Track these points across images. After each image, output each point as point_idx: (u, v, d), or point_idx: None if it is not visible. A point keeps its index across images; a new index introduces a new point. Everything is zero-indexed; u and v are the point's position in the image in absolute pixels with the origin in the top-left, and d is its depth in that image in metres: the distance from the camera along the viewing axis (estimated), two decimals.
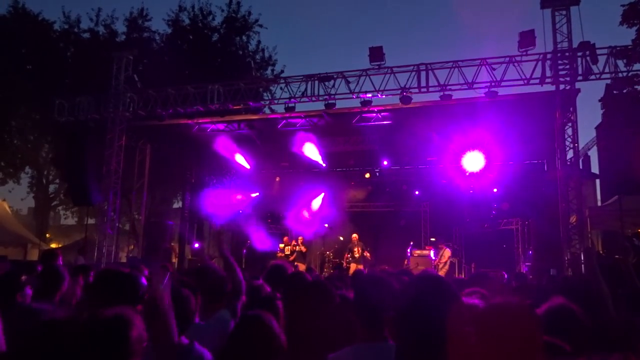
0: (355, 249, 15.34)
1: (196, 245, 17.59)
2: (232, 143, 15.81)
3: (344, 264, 15.22)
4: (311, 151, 15.26)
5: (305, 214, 17.42)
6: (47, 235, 29.63)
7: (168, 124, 15.70)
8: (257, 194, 18.30)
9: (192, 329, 2.84)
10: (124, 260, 16.99)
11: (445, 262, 14.80)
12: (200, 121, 15.63)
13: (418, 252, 15.83)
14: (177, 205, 26.94)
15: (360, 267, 14.25)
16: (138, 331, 1.79)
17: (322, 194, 17.61)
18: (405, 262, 15.43)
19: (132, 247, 19.67)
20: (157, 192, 22.20)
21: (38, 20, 25.37)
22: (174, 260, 13.05)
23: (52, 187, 30.82)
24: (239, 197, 18.14)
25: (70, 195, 18.44)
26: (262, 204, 18.60)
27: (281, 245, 16.07)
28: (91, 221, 20.82)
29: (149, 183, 17.41)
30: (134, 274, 3.23)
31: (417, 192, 17.55)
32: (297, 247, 15.67)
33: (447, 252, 15.11)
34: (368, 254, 15.63)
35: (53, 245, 26.94)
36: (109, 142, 15.87)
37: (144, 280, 3.17)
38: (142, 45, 22.67)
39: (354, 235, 15.71)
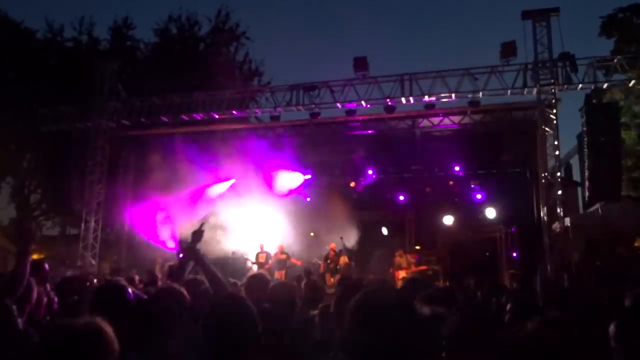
0: (339, 259, 15.31)
1: (180, 255, 17.37)
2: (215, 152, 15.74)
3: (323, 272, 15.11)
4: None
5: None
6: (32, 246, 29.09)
7: (152, 134, 15.60)
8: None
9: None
10: (107, 270, 16.77)
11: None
12: (185, 130, 15.58)
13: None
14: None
15: (337, 276, 14.30)
16: (110, 342, 1.76)
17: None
18: (391, 270, 15.44)
19: (115, 257, 19.43)
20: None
21: (20, 28, 25.11)
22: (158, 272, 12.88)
23: (33, 197, 30.35)
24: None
25: (53, 205, 18.20)
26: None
27: (258, 252, 16.00)
28: (74, 231, 20.54)
29: (133, 192, 17.25)
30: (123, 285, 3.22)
31: (402, 198, 17.61)
32: (278, 255, 15.55)
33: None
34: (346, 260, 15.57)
35: (35, 256, 26.41)
36: (93, 152, 15.73)
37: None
38: (127, 54, 22.58)
39: (332, 245, 15.64)
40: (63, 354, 1.66)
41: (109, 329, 1.78)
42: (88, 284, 5.19)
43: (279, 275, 14.23)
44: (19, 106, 21.69)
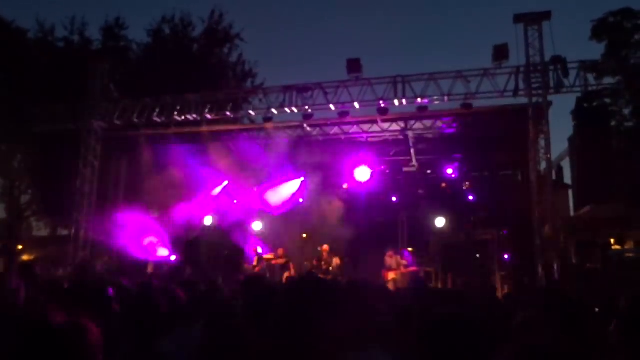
0: (332, 260, 15.27)
1: (172, 257, 17.33)
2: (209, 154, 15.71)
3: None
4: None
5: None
6: (19, 246, 28.89)
7: (145, 134, 15.53)
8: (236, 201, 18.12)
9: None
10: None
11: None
12: (177, 131, 15.52)
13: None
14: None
15: (330, 278, 14.26)
16: (92, 340, 1.73)
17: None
18: (384, 272, 15.46)
19: (107, 258, 19.32)
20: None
21: (11, 28, 24.89)
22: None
23: (24, 198, 30.10)
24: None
25: (44, 205, 18.09)
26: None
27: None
28: (65, 232, 20.40)
29: (125, 193, 17.16)
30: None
31: (394, 199, 17.66)
32: (279, 259, 15.51)
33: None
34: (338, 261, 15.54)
35: (25, 257, 26.26)
36: (84, 152, 15.64)
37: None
38: (119, 54, 22.48)
39: (325, 246, 15.59)
40: (43, 351, 1.62)
41: (92, 328, 1.74)
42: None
43: (280, 278, 14.21)
44: (10, 106, 21.54)
